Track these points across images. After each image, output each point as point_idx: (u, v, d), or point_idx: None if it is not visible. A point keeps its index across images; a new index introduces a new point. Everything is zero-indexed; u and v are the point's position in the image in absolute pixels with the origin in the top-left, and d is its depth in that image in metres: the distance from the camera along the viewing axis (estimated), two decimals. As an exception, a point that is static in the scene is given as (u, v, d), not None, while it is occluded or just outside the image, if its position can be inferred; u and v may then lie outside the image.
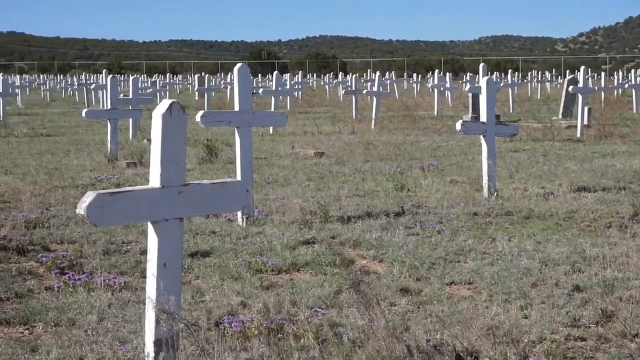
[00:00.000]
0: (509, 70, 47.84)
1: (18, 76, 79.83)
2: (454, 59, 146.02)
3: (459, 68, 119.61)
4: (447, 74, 49.90)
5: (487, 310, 7.03)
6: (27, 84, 65.89)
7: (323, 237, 10.16)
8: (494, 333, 6.09)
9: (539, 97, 54.82)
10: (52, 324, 6.96)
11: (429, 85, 46.52)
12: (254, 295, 7.59)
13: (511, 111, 37.61)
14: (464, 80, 65.52)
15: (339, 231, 10.46)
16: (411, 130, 26.79)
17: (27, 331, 6.89)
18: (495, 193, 12.82)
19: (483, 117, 13.08)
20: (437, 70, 50.14)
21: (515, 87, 43.58)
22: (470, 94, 30.56)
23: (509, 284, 7.91)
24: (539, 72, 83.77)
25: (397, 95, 51.57)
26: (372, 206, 12.19)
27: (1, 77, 37.02)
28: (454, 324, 6.46)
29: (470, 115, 28.57)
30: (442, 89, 40.10)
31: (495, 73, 77.38)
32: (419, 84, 62.38)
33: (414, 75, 72.68)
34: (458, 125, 12.77)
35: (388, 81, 57.95)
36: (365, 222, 11.02)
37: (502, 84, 44.71)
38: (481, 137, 12.97)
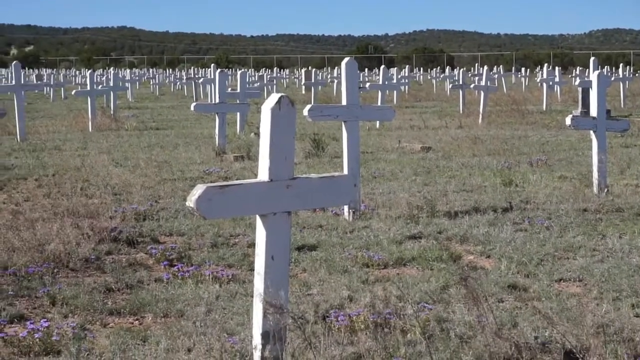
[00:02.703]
0: (620, 65, 46.87)
1: (128, 70, 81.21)
2: (563, 52, 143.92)
3: (568, 62, 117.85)
4: (556, 68, 49.27)
5: (597, 308, 6.90)
6: (137, 78, 67.02)
7: (430, 232, 10.11)
8: (605, 331, 5.97)
9: (651, 92, 53.69)
10: (162, 315, 7.06)
11: (538, 80, 46.00)
12: (360, 289, 7.58)
13: (622, 106, 36.95)
14: (574, 74, 64.40)
15: (445, 226, 10.40)
16: (519, 125, 26.49)
17: (137, 321, 7.00)
18: (606, 189, 12.59)
19: (593, 111, 12.85)
20: (546, 64, 49.39)
21: (627, 82, 42.74)
22: (580, 89, 30.08)
23: (620, 282, 7.77)
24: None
25: (504, 89, 51.01)
26: (479, 201, 12.09)
27: (112, 71, 37.68)
28: (563, 322, 6.36)
29: (579, 110, 28.13)
30: (551, 83, 39.52)
31: (605, 67, 76.04)
32: (527, 78, 61.66)
33: (522, 69, 71.83)
34: (568, 120, 12.56)
35: (496, 75, 57.32)
36: (472, 217, 10.94)
37: (613, 79, 43.91)
38: (591, 132, 12.75)
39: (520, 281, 7.88)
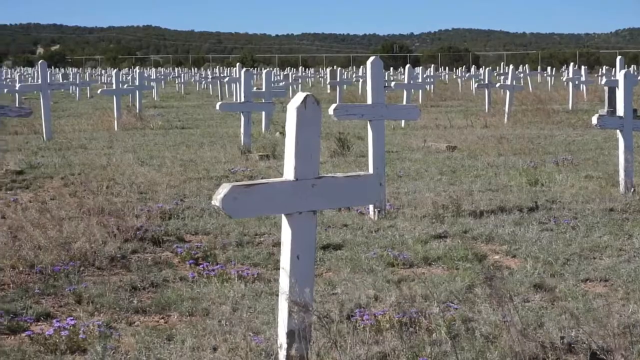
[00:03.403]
0: (647, 64, 46.65)
1: (154, 69, 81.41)
2: (589, 51, 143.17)
3: (594, 61, 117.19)
4: (582, 67, 48.92)
5: (623, 309, 6.88)
6: (163, 77, 67.11)
7: (455, 232, 10.09)
8: (631, 332, 5.94)
9: (678, 91, 53.36)
10: (187, 313, 7.08)
11: (564, 79, 45.77)
12: (385, 288, 7.58)
13: (649, 105, 36.73)
14: (600, 73, 64.14)
15: (471, 226, 10.38)
16: (545, 124, 26.39)
17: (162, 320, 7.03)
18: (632, 189, 12.52)
19: (620, 111, 12.78)
20: (572, 64, 49.18)
21: (654, 81, 42.45)
22: (606, 88, 29.91)
23: (647, 282, 7.72)
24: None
25: (530, 88, 50.80)
26: (505, 201, 12.05)
27: (138, 71, 37.81)
28: (589, 322, 6.33)
29: (606, 109, 27.97)
30: (577, 82, 39.32)
31: (632, 66, 75.58)
32: (553, 78, 61.40)
33: (548, 68, 71.52)
34: (594, 120, 12.50)
35: (521, 74, 57.16)
36: (498, 217, 10.91)
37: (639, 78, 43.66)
38: (618, 131, 12.69)
39: (546, 281, 7.84)
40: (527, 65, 75.39)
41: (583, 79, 43.08)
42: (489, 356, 5.67)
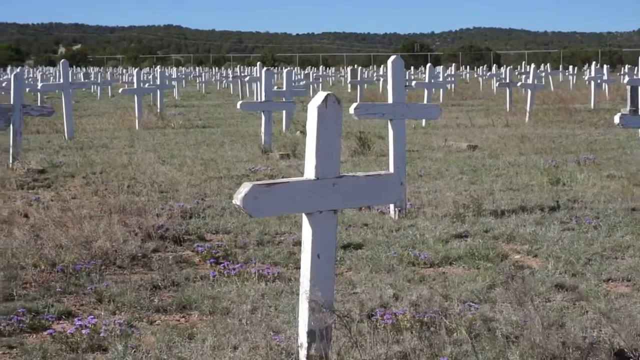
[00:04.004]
0: (670, 62, 46.37)
1: (175, 69, 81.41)
2: (611, 50, 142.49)
3: (616, 60, 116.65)
4: (605, 65, 48.80)
5: (646, 309, 6.84)
6: (184, 77, 67.23)
7: (476, 231, 10.07)
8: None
9: (701, 90, 52.98)
10: (208, 312, 7.09)
11: (585, 78, 45.54)
12: (406, 288, 7.57)
13: (671, 104, 36.48)
14: (622, 72, 63.80)
15: (492, 225, 10.35)
16: (567, 124, 26.29)
17: (183, 319, 7.04)
18: (655, 188, 12.47)
19: (642, 110, 12.73)
20: (594, 62, 49.05)
21: (677, 79, 42.25)
22: (628, 87, 29.65)
23: (669, 282, 7.69)
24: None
25: (552, 87, 50.68)
26: (526, 200, 12.01)
27: (159, 70, 37.86)
28: (612, 322, 6.30)
29: (628, 108, 27.81)
30: (599, 81, 39.20)
31: (654, 65, 75.10)
32: (574, 77, 61.14)
33: (570, 67, 71.23)
34: (616, 119, 12.44)
35: (543, 73, 56.99)
36: (519, 216, 10.88)
37: (661, 76, 43.46)
38: (640, 130, 12.64)
39: (567, 281, 7.81)
40: (548, 64, 75.20)
41: (605, 77, 42.94)
42: (510, 356, 5.65)
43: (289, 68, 31.54)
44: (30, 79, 55.97)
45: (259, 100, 27.27)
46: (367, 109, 11.35)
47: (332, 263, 5.37)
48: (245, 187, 4.97)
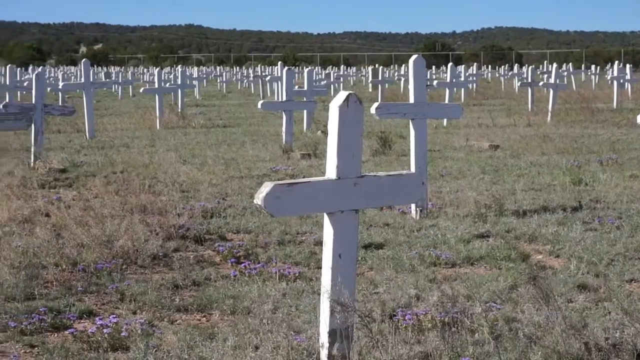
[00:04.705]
0: (693, 62, 46.15)
1: (196, 68, 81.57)
2: (634, 49, 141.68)
3: (639, 59, 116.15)
4: (627, 65, 48.47)
5: (669, 310, 6.79)
6: (205, 76, 67.30)
7: (498, 231, 10.03)
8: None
9: None
10: (229, 312, 7.09)
11: (608, 77, 45.31)
12: (427, 288, 7.54)
13: (695, 104, 36.36)
14: (645, 71, 63.53)
15: (514, 225, 10.31)
16: (589, 123, 26.16)
17: (204, 318, 7.04)
18: (678, 188, 12.39)
19: (666, 109, 12.65)
20: (616, 62, 48.82)
21: (700, 79, 42.04)
22: (651, 86, 29.64)
23: (693, 283, 7.63)
24: None
25: (574, 87, 50.50)
26: (548, 200, 11.96)
27: (180, 69, 37.95)
28: (635, 323, 6.26)
29: (650, 107, 27.73)
30: (621, 80, 38.99)
31: (677, 64, 74.75)
32: (597, 76, 60.90)
33: (592, 66, 70.99)
34: (639, 119, 12.38)
35: (565, 73, 56.83)
36: (541, 216, 10.83)
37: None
38: (663, 130, 12.57)
39: (590, 281, 7.77)
40: (570, 63, 74.82)
41: (628, 77, 42.69)
42: (532, 357, 5.62)
43: (310, 68, 31.53)
44: (51, 79, 56.16)
45: (280, 99, 27.26)
46: (389, 109, 11.33)
47: (353, 263, 5.36)
48: (266, 187, 4.96)
